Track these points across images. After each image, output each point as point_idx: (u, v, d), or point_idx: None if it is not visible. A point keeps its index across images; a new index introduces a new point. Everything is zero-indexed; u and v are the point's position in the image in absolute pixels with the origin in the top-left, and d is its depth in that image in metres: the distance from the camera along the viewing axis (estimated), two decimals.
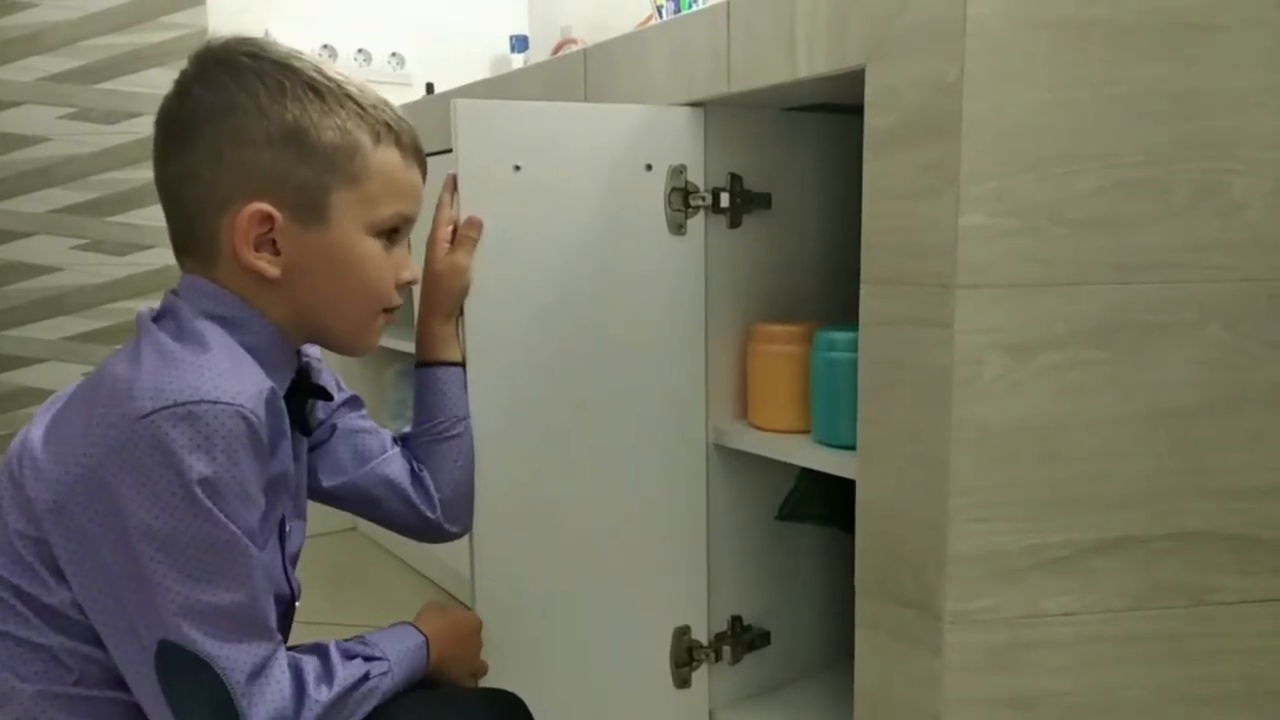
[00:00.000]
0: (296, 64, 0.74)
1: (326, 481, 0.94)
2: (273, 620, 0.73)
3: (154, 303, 0.76)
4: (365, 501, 0.95)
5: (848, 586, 0.92)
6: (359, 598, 1.72)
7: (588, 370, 1.04)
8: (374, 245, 0.78)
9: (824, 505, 1.20)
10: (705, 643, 1.18)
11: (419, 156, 0.81)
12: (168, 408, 0.63)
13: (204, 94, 0.73)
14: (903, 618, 0.86)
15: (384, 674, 0.80)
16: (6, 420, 2.11)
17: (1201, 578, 0.84)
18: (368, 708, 0.78)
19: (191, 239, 0.76)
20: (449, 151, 0.96)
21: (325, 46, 2.44)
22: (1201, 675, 0.85)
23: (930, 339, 0.80)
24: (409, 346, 1.83)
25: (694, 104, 1.06)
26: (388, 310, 0.82)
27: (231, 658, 0.68)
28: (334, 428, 0.95)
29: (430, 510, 0.95)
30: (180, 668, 0.67)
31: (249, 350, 0.72)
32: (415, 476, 0.96)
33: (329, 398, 0.89)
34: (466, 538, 1.00)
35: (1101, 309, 0.79)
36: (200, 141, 0.73)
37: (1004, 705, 0.83)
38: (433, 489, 0.95)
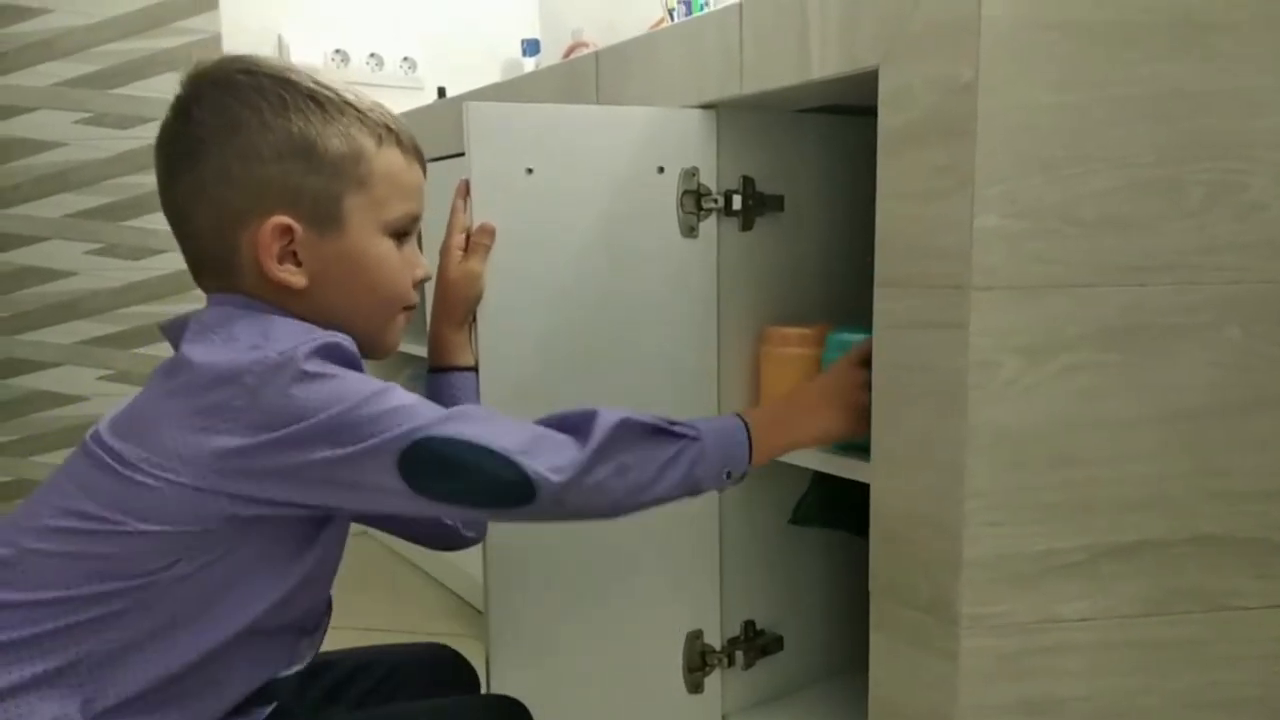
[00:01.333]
0: (293, 76, 0.76)
1: None
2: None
3: (168, 308, 0.77)
4: (385, 516, 0.95)
5: (861, 591, 0.91)
6: (372, 603, 1.72)
7: (599, 372, 1.04)
8: (389, 245, 0.80)
9: (837, 509, 1.20)
10: (718, 647, 1.17)
11: (419, 155, 0.83)
12: (294, 348, 0.69)
13: (205, 114, 0.74)
14: (916, 622, 0.85)
15: (692, 439, 0.81)
16: (21, 424, 2.12)
17: (1218, 582, 0.83)
18: (673, 474, 0.80)
19: (209, 258, 0.77)
20: (461, 155, 0.96)
21: (338, 51, 2.45)
22: (1218, 681, 0.84)
23: (944, 341, 0.79)
24: (422, 351, 1.83)
25: (706, 106, 1.06)
26: (407, 309, 0.84)
27: (465, 432, 0.72)
28: None
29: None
30: (429, 466, 0.71)
31: None
32: None
33: None
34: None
35: (1116, 311, 0.78)
36: (207, 161, 0.74)
37: (1018, 711, 0.83)
38: None
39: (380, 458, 0.70)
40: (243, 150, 0.73)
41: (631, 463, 0.77)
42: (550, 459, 0.73)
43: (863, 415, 0.89)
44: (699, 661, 1.16)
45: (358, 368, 0.74)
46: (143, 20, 2.09)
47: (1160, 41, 0.76)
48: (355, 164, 0.76)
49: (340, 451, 0.69)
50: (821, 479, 1.19)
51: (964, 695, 0.82)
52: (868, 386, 0.88)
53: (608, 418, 0.76)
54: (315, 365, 0.70)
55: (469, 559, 1.35)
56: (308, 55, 2.39)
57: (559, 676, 1.05)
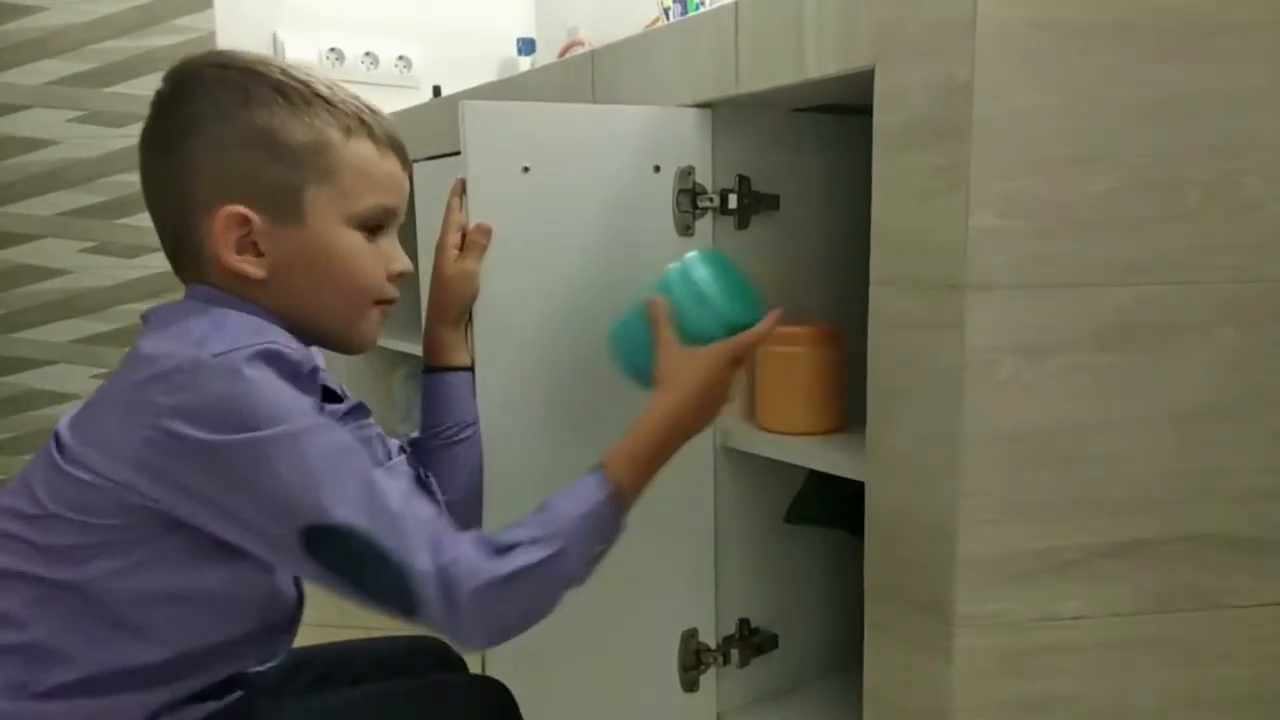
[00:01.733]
0: (261, 69, 0.76)
1: None
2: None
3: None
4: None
5: (856, 590, 0.92)
6: None
7: (595, 372, 1.04)
8: (355, 238, 0.78)
9: (833, 508, 1.20)
10: (713, 646, 1.17)
11: (396, 148, 0.81)
12: (231, 350, 0.68)
13: (176, 108, 0.75)
14: (912, 621, 0.85)
15: (552, 555, 0.74)
16: (17, 422, 2.12)
17: (1214, 581, 0.83)
18: (550, 596, 0.78)
19: (181, 249, 0.77)
20: (457, 154, 0.96)
21: (333, 49, 2.44)
22: (1214, 679, 0.84)
23: (941, 341, 0.79)
24: (416, 349, 1.82)
25: (702, 105, 1.06)
26: (382, 303, 0.82)
27: (372, 523, 0.69)
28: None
29: None
30: (331, 547, 0.68)
31: None
32: (421, 484, 0.95)
33: (338, 400, 0.88)
34: None
35: (1113, 311, 0.79)
36: (176, 154, 0.75)
37: (1014, 709, 0.83)
38: (439, 495, 0.95)
39: (284, 520, 0.68)
40: (206, 142, 0.74)
41: (509, 611, 0.75)
42: (446, 598, 0.69)
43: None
44: (694, 660, 1.16)
45: (299, 381, 0.71)
46: (137, 18, 2.09)
47: (1156, 42, 0.76)
48: (319, 154, 0.75)
49: (241, 489, 0.68)
50: (817, 477, 1.19)
51: (959, 694, 0.82)
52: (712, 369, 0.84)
53: (474, 581, 0.70)
54: (251, 371, 0.68)
55: None
56: (303, 54, 2.38)
57: (554, 675, 1.05)
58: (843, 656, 1.29)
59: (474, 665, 1.01)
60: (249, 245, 0.75)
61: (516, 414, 1.00)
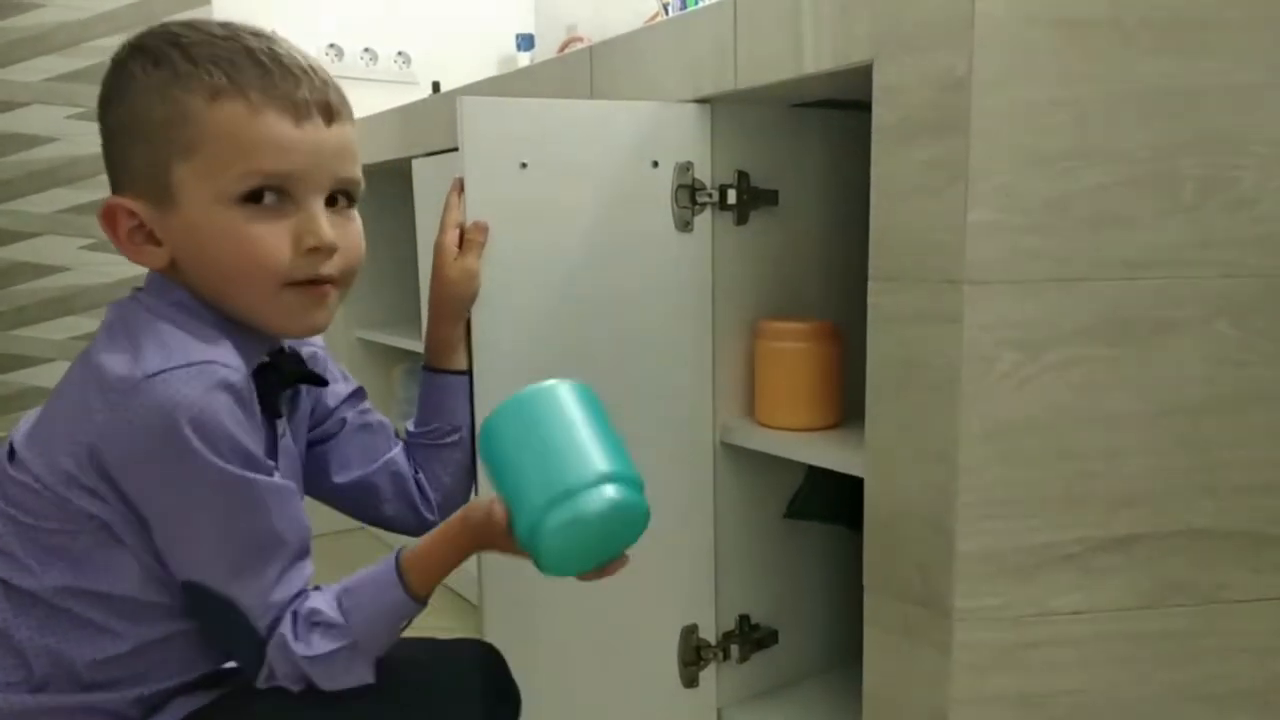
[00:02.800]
0: (150, 41, 0.70)
1: (337, 477, 0.92)
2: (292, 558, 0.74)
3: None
4: (369, 499, 0.94)
5: (856, 585, 0.92)
6: None
7: (594, 368, 1.04)
8: (233, 215, 0.69)
9: (832, 503, 1.20)
10: (713, 641, 1.17)
11: (287, 104, 0.70)
12: (166, 370, 0.65)
13: (102, 90, 0.74)
14: (911, 616, 0.85)
15: (345, 647, 0.73)
16: (14, 420, 2.12)
17: (1211, 575, 0.83)
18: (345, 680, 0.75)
19: None
20: (455, 150, 0.96)
21: (331, 46, 2.44)
22: (1212, 674, 0.85)
23: (938, 335, 0.80)
24: (416, 345, 1.82)
25: (700, 101, 1.06)
26: (299, 284, 0.73)
27: (251, 592, 0.70)
28: (344, 422, 0.93)
29: (429, 512, 0.94)
30: (208, 605, 0.71)
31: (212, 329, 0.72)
32: (414, 477, 0.95)
33: (320, 383, 0.85)
34: None
35: (1110, 305, 0.79)
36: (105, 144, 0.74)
37: (1013, 704, 0.83)
38: (429, 493, 0.95)
39: (172, 561, 0.70)
40: (103, 128, 0.73)
41: (317, 678, 0.74)
42: (267, 675, 0.73)
43: None
44: (694, 656, 1.16)
45: (240, 406, 0.68)
46: (135, 15, 2.09)
47: (1153, 37, 0.76)
48: (179, 128, 0.68)
49: (150, 508, 0.68)
50: (816, 473, 1.19)
51: (957, 688, 0.82)
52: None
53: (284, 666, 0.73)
54: (184, 395, 0.65)
55: None
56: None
57: (554, 671, 1.05)
58: (842, 651, 1.30)
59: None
60: (143, 233, 0.72)
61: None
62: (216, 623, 0.72)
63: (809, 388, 1.08)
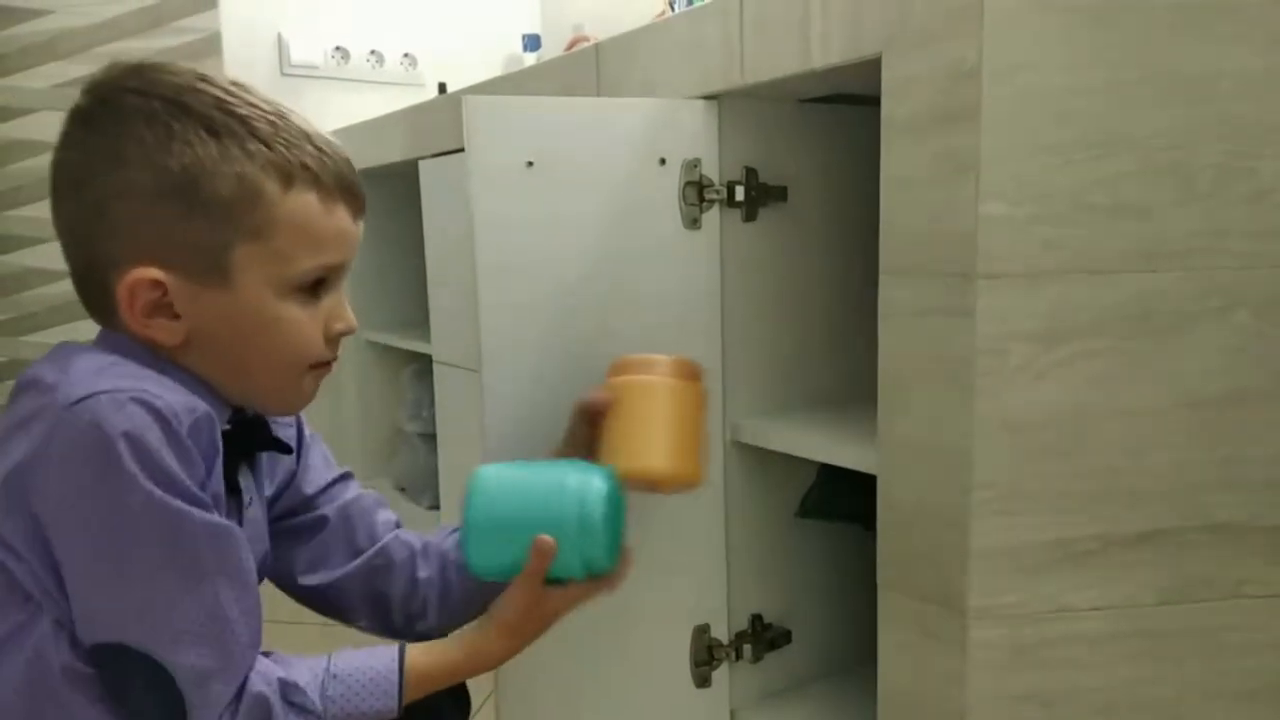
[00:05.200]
0: (190, 100, 0.66)
1: (304, 578, 0.84)
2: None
3: None
4: (337, 607, 0.85)
5: (869, 584, 0.91)
6: None
7: (601, 366, 1.03)
8: (290, 305, 0.69)
9: (844, 501, 1.19)
10: (725, 641, 1.17)
11: (348, 194, 0.71)
12: (99, 394, 0.60)
13: (90, 140, 0.67)
14: (926, 614, 0.85)
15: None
16: None
17: (1232, 571, 0.82)
18: None
19: (87, 294, 0.70)
20: (462, 150, 0.95)
21: (338, 48, 2.44)
22: (1233, 670, 0.83)
23: (951, 329, 0.79)
24: (425, 347, 1.82)
25: (707, 97, 1.05)
26: (318, 366, 0.74)
27: (183, 663, 0.63)
28: (325, 520, 0.85)
29: (411, 621, 0.85)
30: (130, 668, 0.63)
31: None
32: (411, 573, 0.85)
33: (286, 450, 0.81)
34: None
35: (1126, 297, 0.78)
36: (87, 194, 0.67)
37: (1030, 702, 0.82)
38: (428, 592, 0.85)
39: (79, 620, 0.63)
40: (120, 187, 0.65)
41: None
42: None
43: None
44: (706, 656, 1.15)
45: (182, 447, 0.62)
46: (142, 20, 2.09)
47: (1168, 23, 0.75)
48: (249, 210, 0.66)
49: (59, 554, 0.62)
50: (829, 471, 1.18)
51: (974, 687, 0.82)
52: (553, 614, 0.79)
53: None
54: (113, 426, 0.59)
55: None
56: (307, 52, 2.39)
57: (565, 671, 1.05)
58: (857, 651, 1.29)
59: (486, 679, 1.01)
60: (163, 307, 0.67)
61: (522, 410, 0.99)
62: (131, 686, 0.64)
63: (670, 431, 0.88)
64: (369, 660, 0.72)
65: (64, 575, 0.62)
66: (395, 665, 0.72)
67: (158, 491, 0.61)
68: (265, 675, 0.68)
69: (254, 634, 0.68)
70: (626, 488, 0.83)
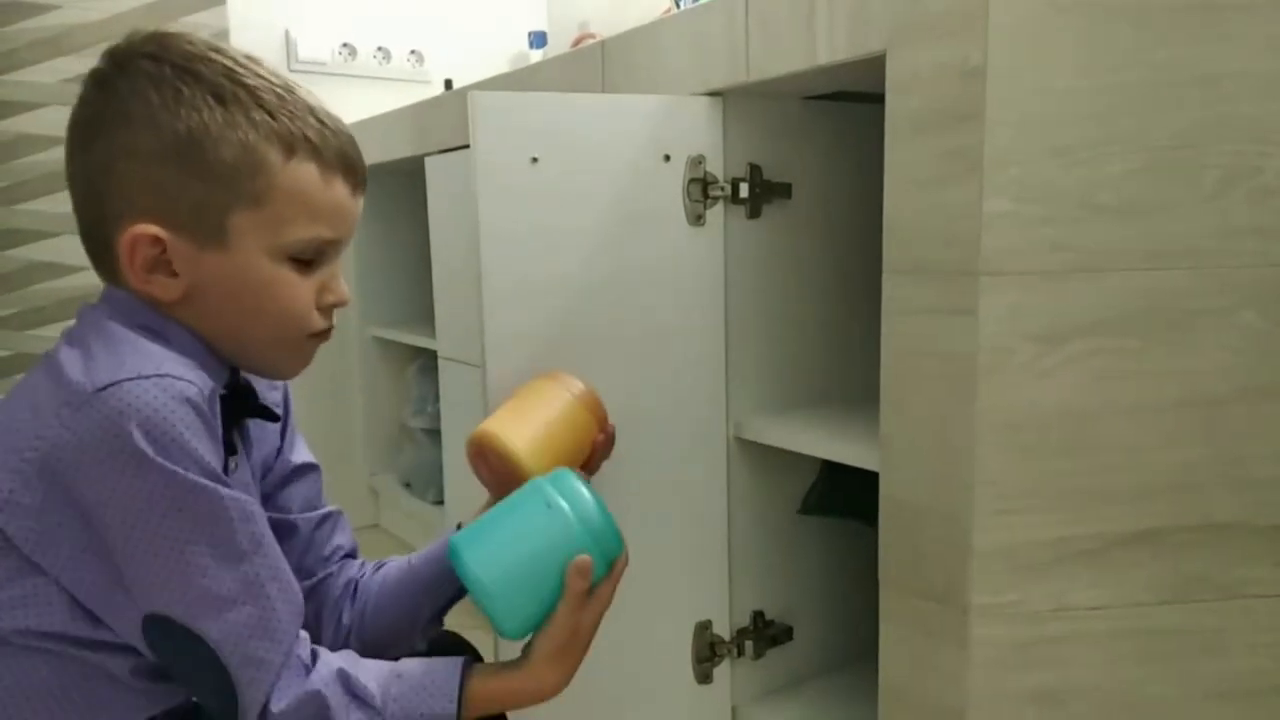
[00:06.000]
0: (201, 67, 0.68)
1: None
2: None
3: None
4: None
5: (871, 581, 0.91)
6: None
7: (606, 363, 1.03)
8: (283, 271, 0.71)
9: (846, 498, 1.19)
10: (727, 638, 1.17)
11: (348, 172, 0.73)
12: (123, 380, 0.62)
13: (103, 99, 0.69)
14: (927, 612, 0.85)
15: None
16: None
17: (1233, 570, 0.82)
18: None
19: (93, 249, 0.72)
20: (467, 147, 0.95)
21: (345, 45, 2.45)
22: (1234, 670, 0.83)
23: (955, 327, 0.79)
24: (430, 343, 1.81)
25: (712, 94, 1.05)
26: (315, 335, 0.75)
27: (228, 636, 0.65)
28: (295, 528, 0.86)
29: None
30: (175, 643, 0.65)
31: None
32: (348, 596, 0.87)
33: (274, 418, 0.82)
34: None
35: (1130, 296, 0.78)
36: (95, 151, 0.69)
37: (1031, 700, 0.82)
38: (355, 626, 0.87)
39: (128, 606, 0.64)
40: (126, 145, 0.67)
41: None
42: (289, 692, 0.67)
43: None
44: (708, 652, 1.15)
45: (209, 425, 0.65)
46: (149, 15, 2.10)
47: (1174, 23, 0.75)
48: (250, 177, 0.68)
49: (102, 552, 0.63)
50: (831, 468, 1.18)
51: (975, 685, 0.82)
52: (595, 623, 0.78)
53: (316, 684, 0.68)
54: (137, 413, 0.61)
55: None
56: (315, 49, 2.39)
57: None
58: (857, 648, 1.29)
59: (489, 658, 1.01)
60: (162, 264, 0.69)
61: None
62: (180, 662, 0.66)
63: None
64: (433, 667, 0.74)
65: (111, 559, 0.64)
66: (456, 676, 0.73)
67: (182, 472, 0.63)
68: (327, 664, 0.70)
69: (295, 608, 0.69)
70: (476, 444, 0.87)
